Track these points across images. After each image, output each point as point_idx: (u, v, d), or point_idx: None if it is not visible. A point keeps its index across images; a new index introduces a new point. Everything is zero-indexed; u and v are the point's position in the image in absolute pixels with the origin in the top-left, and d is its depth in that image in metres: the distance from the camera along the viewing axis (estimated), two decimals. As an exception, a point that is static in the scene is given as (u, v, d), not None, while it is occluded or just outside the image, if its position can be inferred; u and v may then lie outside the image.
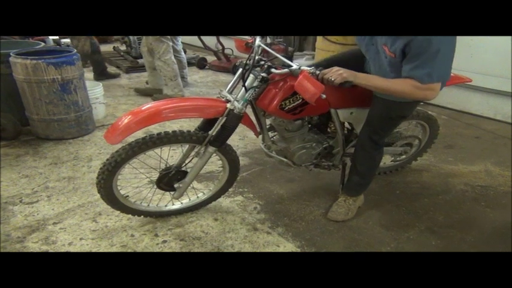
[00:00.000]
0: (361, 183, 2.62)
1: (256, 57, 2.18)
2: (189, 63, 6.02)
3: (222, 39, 6.30)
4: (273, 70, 2.18)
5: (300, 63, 2.15)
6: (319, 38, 5.02)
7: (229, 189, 2.71)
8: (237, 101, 2.19)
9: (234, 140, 3.66)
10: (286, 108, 2.26)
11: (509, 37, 4.08)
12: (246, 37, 2.46)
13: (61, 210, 2.62)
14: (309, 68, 2.03)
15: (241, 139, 3.78)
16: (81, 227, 2.46)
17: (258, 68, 2.19)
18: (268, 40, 6.93)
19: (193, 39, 6.31)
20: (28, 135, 3.67)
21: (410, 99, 2.14)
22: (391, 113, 2.32)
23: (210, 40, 6.36)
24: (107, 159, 2.18)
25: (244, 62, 2.21)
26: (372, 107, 2.38)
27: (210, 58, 6.77)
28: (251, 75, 2.17)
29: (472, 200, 2.90)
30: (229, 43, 5.32)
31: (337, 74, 2.01)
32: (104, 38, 8.02)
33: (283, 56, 2.19)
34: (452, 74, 2.76)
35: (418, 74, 1.94)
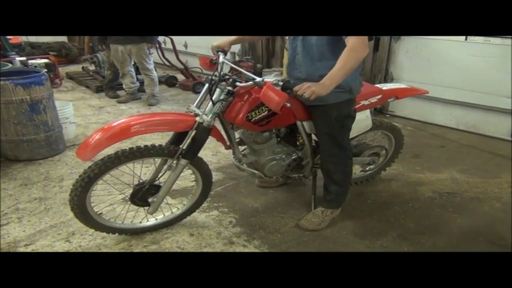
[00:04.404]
0: (340, 191, 2.67)
1: (222, 73, 2.27)
2: (159, 82, 6.01)
3: (190, 58, 6.29)
4: (238, 84, 2.28)
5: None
6: (286, 55, 5.13)
7: (204, 204, 2.73)
8: (206, 114, 2.26)
9: (207, 156, 3.68)
10: (253, 119, 2.34)
11: (465, 52, 4.30)
12: (210, 54, 2.53)
13: (32, 231, 2.57)
14: (272, 80, 2.11)
15: (214, 154, 3.81)
16: (53, 247, 2.42)
17: (224, 83, 2.27)
18: (237, 58, 7.00)
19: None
20: (-4, 157, 3.59)
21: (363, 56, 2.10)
22: (331, 115, 2.39)
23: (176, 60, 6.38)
24: (80, 175, 2.18)
25: (210, 77, 2.28)
26: (314, 119, 2.47)
27: (181, 77, 6.78)
28: (217, 89, 2.25)
29: (440, 207, 3.00)
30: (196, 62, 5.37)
31: (309, 91, 2.00)
32: (72, 58, 7.94)
33: (247, 71, 2.30)
34: (409, 87, 2.89)
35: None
